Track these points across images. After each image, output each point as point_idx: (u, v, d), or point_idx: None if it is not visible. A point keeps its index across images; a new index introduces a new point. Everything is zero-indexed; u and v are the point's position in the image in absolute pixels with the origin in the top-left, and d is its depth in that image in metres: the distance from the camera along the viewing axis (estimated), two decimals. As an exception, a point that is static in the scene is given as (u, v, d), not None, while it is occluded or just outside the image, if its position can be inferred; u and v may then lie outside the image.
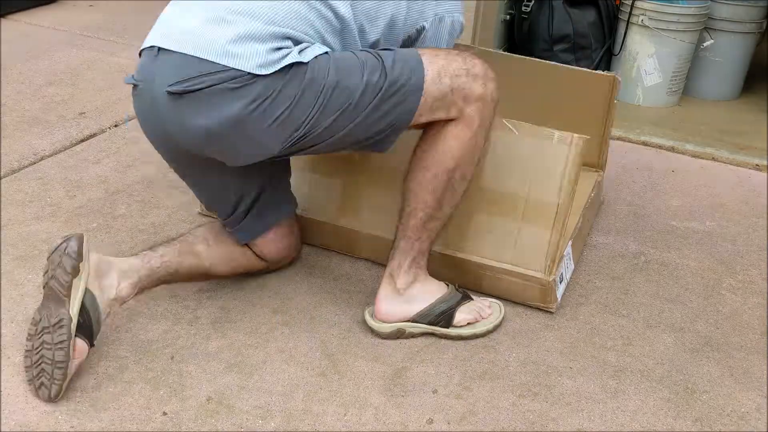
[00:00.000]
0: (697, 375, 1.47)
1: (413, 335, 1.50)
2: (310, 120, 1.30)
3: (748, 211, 2.14)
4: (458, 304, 1.52)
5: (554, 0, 2.98)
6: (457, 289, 1.55)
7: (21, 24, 3.33)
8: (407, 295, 1.48)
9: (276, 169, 1.54)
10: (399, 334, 1.49)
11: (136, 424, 1.25)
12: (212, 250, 1.55)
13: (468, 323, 1.51)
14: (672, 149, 2.54)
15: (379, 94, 1.32)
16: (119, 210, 1.88)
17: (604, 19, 3.00)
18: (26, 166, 2.06)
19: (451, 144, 1.39)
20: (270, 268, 1.65)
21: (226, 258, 1.57)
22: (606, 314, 1.63)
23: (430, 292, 1.51)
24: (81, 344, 1.29)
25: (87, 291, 1.32)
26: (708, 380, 1.46)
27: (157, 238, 1.75)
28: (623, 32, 2.94)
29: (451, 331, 1.50)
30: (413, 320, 1.49)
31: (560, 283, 1.61)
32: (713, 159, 2.49)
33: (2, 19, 3.34)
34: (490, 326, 1.52)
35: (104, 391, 1.31)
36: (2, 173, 2.01)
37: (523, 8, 3.05)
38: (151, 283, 1.46)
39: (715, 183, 2.32)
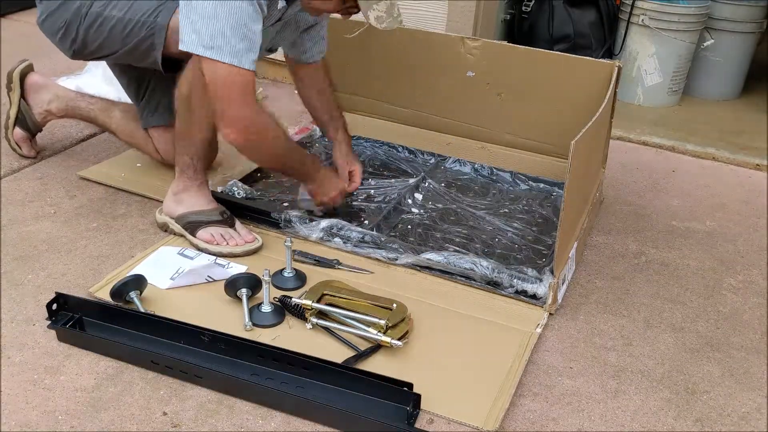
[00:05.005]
0: (698, 375, 1.47)
1: (174, 232, 1.76)
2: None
3: (749, 211, 2.14)
4: (210, 223, 1.72)
5: (554, 0, 2.98)
6: (222, 214, 1.74)
7: (21, 24, 3.33)
8: (177, 198, 1.75)
9: (150, 74, 1.85)
10: (164, 227, 1.78)
11: (136, 424, 1.25)
12: (123, 121, 1.99)
13: (206, 242, 1.70)
14: (672, 149, 2.54)
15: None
16: (119, 210, 1.88)
17: (604, 18, 3.00)
18: (26, 166, 2.06)
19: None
20: (164, 163, 1.98)
21: (127, 132, 1.99)
22: (606, 314, 1.63)
23: (195, 203, 1.74)
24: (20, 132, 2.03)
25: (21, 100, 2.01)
26: (708, 380, 1.46)
27: (157, 237, 1.76)
28: (623, 32, 2.95)
29: (192, 239, 1.72)
30: (175, 219, 1.75)
31: (562, 284, 1.61)
32: (714, 159, 2.49)
33: (2, 19, 3.34)
34: (223, 251, 1.69)
35: (104, 391, 1.31)
36: (2, 173, 2.01)
37: (524, 8, 3.05)
38: (73, 116, 2.04)
39: (716, 183, 2.32)
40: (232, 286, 1.52)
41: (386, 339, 1.40)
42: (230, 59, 1.46)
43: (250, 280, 1.53)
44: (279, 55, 2.75)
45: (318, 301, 1.48)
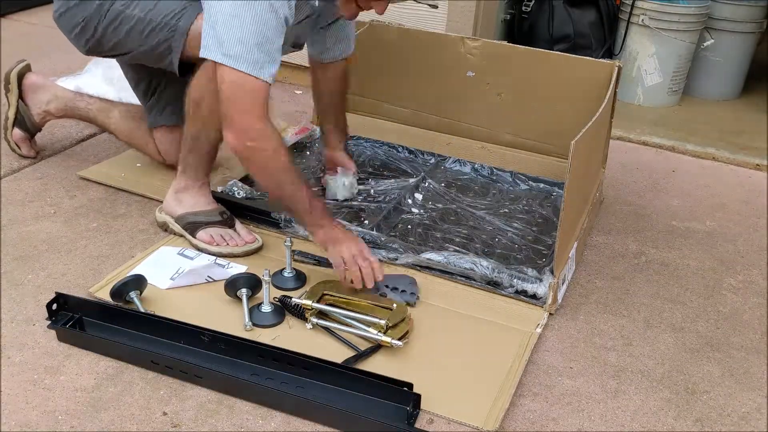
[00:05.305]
0: (698, 375, 1.47)
1: (174, 232, 1.76)
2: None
3: (749, 211, 2.14)
4: (210, 224, 1.72)
5: (554, 0, 2.98)
6: (222, 215, 1.74)
7: (21, 24, 3.34)
8: (178, 197, 1.75)
9: (161, 74, 1.82)
10: (164, 227, 1.78)
11: (136, 424, 1.25)
12: (122, 121, 1.99)
13: (206, 242, 1.70)
14: (672, 149, 2.54)
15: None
16: (119, 210, 1.88)
17: (604, 18, 3.00)
18: (26, 166, 2.06)
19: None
20: (165, 164, 1.99)
21: (126, 133, 1.99)
22: (606, 314, 1.63)
23: (196, 203, 1.74)
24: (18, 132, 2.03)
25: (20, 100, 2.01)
26: (708, 380, 1.46)
27: (157, 237, 1.76)
28: (623, 32, 2.95)
29: (192, 239, 1.72)
30: (175, 219, 1.75)
31: (562, 284, 1.61)
32: (714, 159, 2.49)
33: (2, 19, 3.34)
34: (223, 251, 1.69)
35: (104, 391, 1.31)
36: (2, 173, 2.01)
37: (524, 8, 3.05)
38: (72, 116, 2.04)
39: (716, 183, 2.32)
40: (232, 286, 1.52)
41: (386, 339, 1.40)
42: (249, 69, 1.45)
43: (250, 280, 1.53)
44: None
45: (318, 301, 1.48)
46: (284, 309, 1.52)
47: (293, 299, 1.49)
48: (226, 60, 1.45)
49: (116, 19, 1.67)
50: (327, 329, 1.48)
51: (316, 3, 1.62)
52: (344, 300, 1.50)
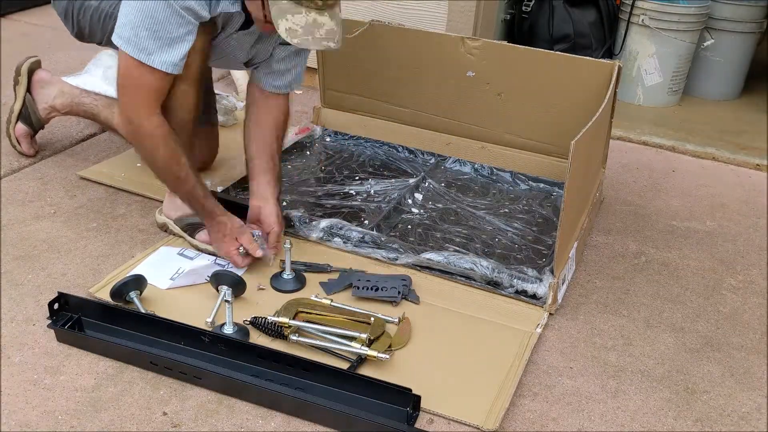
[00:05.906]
0: (698, 375, 1.47)
1: (173, 233, 1.76)
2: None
3: (749, 211, 2.14)
4: None
5: (554, 0, 2.98)
6: None
7: (21, 24, 3.34)
8: (174, 200, 1.73)
9: None
10: (164, 228, 1.78)
11: (136, 424, 1.25)
12: None
13: (206, 242, 1.70)
14: (672, 149, 2.54)
15: None
16: (119, 210, 1.88)
17: (604, 18, 3.00)
18: (26, 166, 2.06)
19: None
20: None
21: None
22: (606, 314, 1.63)
23: None
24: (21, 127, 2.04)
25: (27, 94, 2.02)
26: (708, 380, 1.46)
27: (157, 237, 1.76)
28: (624, 32, 2.95)
29: (191, 240, 1.72)
30: (174, 221, 1.75)
31: (562, 284, 1.61)
32: (714, 159, 2.49)
33: (2, 19, 3.34)
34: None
35: (104, 391, 1.31)
36: (2, 173, 2.01)
37: (524, 8, 3.05)
38: (77, 113, 2.03)
39: (716, 183, 2.32)
40: (215, 279, 1.52)
41: (372, 353, 1.37)
42: (136, 54, 1.47)
43: (233, 279, 1.51)
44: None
45: (293, 318, 1.45)
46: (257, 329, 1.46)
47: (268, 318, 1.44)
48: (120, 42, 1.49)
49: (81, 9, 1.72)
50: (311, 346, 1.43)
51: (232, 9, 1.54)
52: (320, 316, 1.48)
